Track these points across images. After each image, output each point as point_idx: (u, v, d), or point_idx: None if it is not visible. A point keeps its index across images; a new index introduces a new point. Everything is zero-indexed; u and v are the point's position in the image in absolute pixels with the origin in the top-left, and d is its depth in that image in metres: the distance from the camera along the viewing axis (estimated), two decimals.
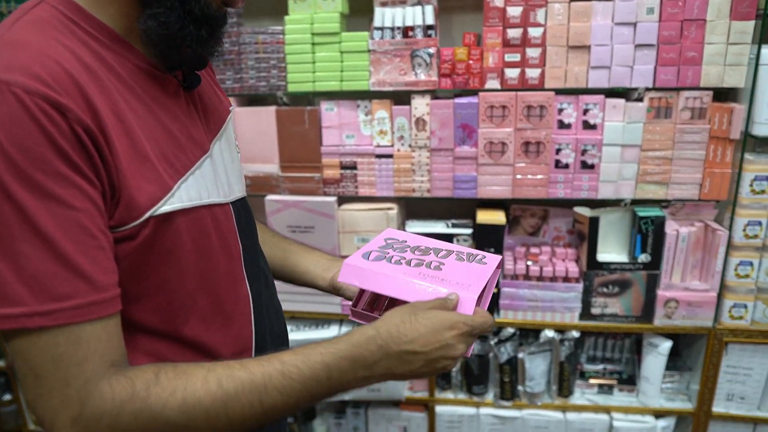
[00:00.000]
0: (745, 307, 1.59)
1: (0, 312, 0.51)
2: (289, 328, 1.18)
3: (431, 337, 0.63)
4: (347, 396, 1.79)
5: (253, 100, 1.76)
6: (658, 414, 1.74)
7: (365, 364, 0.62)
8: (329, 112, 1.64)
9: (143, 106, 0.61)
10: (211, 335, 0.70)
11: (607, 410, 1.75)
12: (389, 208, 1.68)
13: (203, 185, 0.67)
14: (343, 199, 1.72)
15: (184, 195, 0.63)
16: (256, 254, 0.80)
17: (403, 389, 1.77)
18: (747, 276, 1.57)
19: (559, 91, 1.54)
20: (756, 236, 1.53)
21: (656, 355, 1.68)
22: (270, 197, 1.70)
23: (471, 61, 1.53)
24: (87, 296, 0.53)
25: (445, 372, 0.69)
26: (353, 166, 1.67)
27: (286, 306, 0.99)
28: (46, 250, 0.52)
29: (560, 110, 1.54)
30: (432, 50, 1.54)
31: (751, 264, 1.56)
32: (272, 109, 1.65)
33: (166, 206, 0.61)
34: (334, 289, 0.90)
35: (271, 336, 0.81)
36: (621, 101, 1.52)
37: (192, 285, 0.66)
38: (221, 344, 0.71)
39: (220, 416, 0.57)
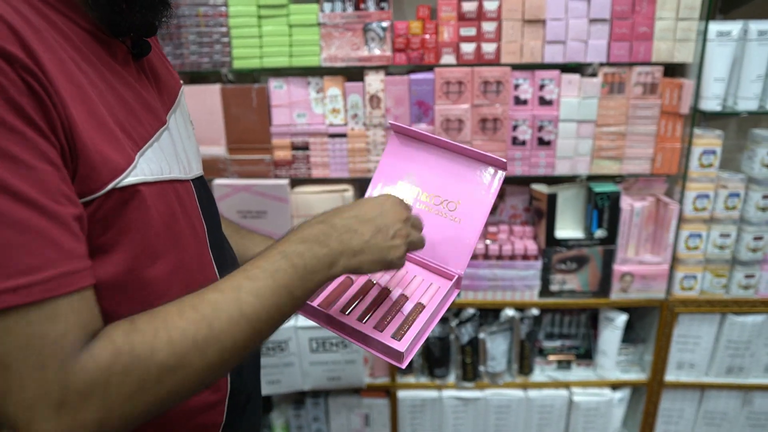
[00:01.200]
0: (695, 278, 1.64)
1: None
2: None
3: (369, 208, 0.67)
4: (306, 386, 1.73)
5: (195, 78, 1.64)
6: (615, 386, 1.78)
7: (317, 240, 0.62)
8: (278, 90, 1.55)
9: (95, 70, 0.54)
10: None
11: (566, 385, 1.76)
12: (344, 190, 1.61)
13: (163, 159, 0.60)
14: (295, 182, 1.65)
15: (146, 168, 0.56)
16: (220, 237, 0.73)
17: (363, 376, 1.73)
18: (696, 248, 1.61)
19: (515, 67, 1.51)
20: (704, 209, 1.57)
21: (612, 329, 1.71)
22: (218, 181, 1.60)
23: (426, 36, 1.48)
24: (60, 266, 0.46)
25: (409, 245, 0.69)
26: (305, 147, 1.59)
27: None
28: (1, 215, 0.44)
29: (516, 86, 1.52)
30: (385, 24, 1.48)
31: (699, 236, 1.60)
32: (217, 87, 1.55)
33: (130, 178, 0.53)
34: None
35: None
36: (576, 77, 1.51)
37: (164, 271, 0.59)
38: None
39: (209, 342, 0.52)
